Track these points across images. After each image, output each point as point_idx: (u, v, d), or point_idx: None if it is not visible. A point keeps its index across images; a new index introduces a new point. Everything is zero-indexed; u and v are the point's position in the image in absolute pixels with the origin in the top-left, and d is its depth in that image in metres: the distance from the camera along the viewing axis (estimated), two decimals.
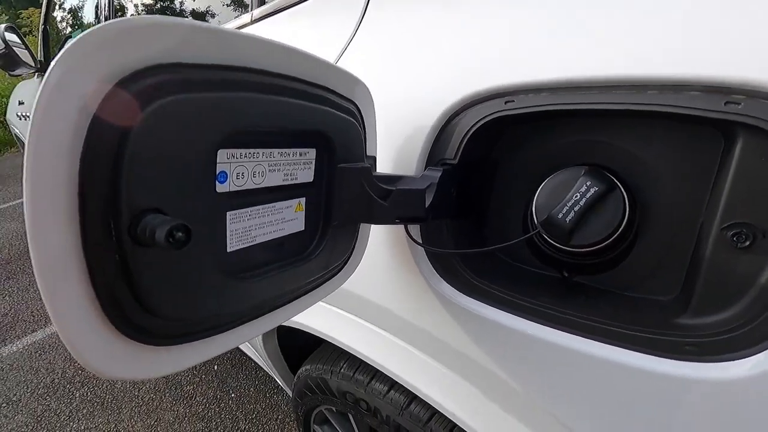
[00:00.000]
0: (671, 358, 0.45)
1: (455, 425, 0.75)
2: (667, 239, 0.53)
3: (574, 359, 0.52)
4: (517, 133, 0.62)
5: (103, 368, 0.31)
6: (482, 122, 0.55)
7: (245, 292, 0.42)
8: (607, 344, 0.50)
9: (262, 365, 1.56)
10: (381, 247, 0.68)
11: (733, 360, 0.42)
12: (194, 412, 2.06)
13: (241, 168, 0.40)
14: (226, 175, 0.38)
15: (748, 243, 0.43)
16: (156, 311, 0.33)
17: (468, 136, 0.57)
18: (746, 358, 0.42)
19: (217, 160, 0.37)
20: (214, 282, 0.38)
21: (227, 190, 0.39)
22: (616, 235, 0.51)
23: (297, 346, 1.35)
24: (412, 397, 0.85)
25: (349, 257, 0.59)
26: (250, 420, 2.00)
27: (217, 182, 0.38)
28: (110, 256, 0.30)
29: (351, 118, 0.52)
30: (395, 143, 0.65)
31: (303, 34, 0.97)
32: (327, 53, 0.83)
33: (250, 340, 1.40)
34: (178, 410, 2.07)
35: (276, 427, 1.95)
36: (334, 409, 1.12)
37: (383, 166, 0.65)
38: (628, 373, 0.48)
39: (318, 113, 0.47)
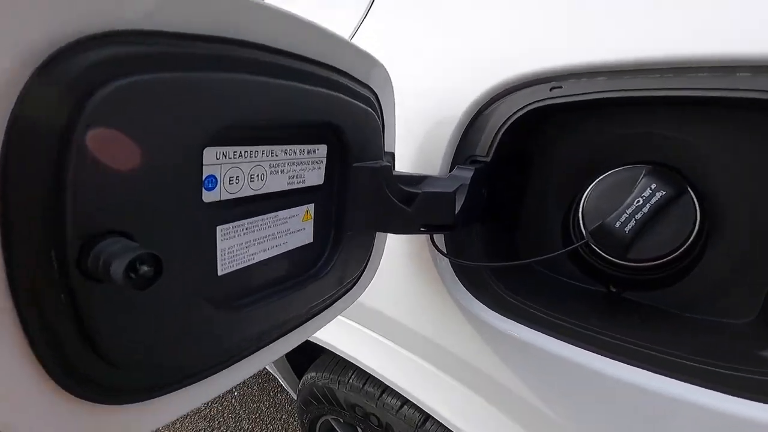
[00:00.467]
0: (759, 401, 0.37)
1: None
2: (743, 251, 0.44)
3: (629, 393, 0.44)
4: (558, 124, 0.53)
5: None
6: (522, 113, 0.47)
7: (241, 323, 0.34)
8: (671, 378, 0.42)
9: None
10: (399, 255, 0.60)
11: None
12: (197, 410, 2.01)
13: (234, 170, 0.32)
14: (216, 180, 0.30)
15: None
16: (117, 362, 0.25)
17: (504, 128, 0.48)
18: None
19: (204, 162, 0.29)
20: (200, 316, 0.30)
21: (217, 199, 0.31)
22: (684, 247, 0.43)
23: (302, 348, 1.28)
24: (428, 416, 0.77)
25: (364, 269, 0.51)
26: (253, 419, 1.95)
27: (203, 189, 0.29)
28: (52, 296, 0.22)
29: (368, 108, 0.43)
30: (416, 138, 0.56)
31: (304, 12, 0.87)
32: None
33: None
34: None
35: (280, 427, 1.89)
36: (341, 420, 1.05)
37: (401, 165, 0.57)
38: (695, 414, 0.40)
39: (330, 101, 0.38)
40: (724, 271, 0.45)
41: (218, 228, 0.31)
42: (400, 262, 0.60)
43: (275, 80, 0.32)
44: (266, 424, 1.92)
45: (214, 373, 0.33)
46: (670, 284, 0.49)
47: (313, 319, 0.44)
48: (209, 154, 0.29)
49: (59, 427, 0.24)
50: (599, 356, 0.46)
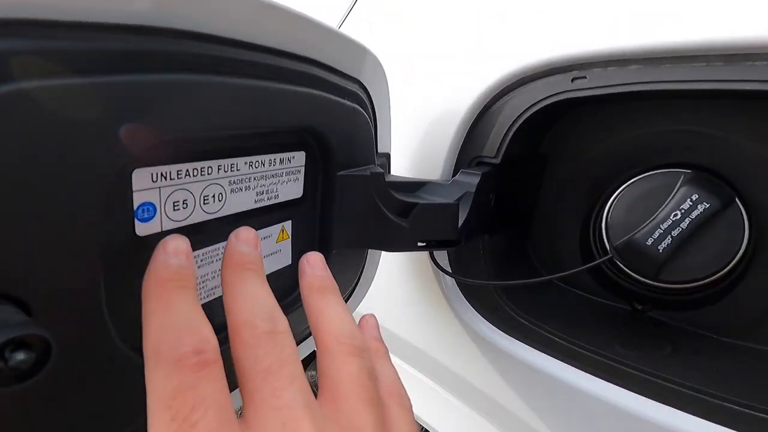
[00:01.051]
0: None
1: None
2: None
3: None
4: (580, 120, 0.46)
5: None
6: (538, 107, 0.40)
7: None
8: (709, 422, 0.36)
9: None
10: (400, 269, 0.54)
11: None
12: None
13: (181, 193, 0.25)
14: (154, 207, 0.24)
15: None
16: None
17: (516, 126, 0.41)
18: None
19: (134, 187, 0.22)
20: (139, 382, 0.24)
21: (158, 230, 0.24)
22: (729, 267, 0.37)
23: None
24: None
25: (354, 288, 0.45)
26: None
27: (136, 221, 0.23)
28: None
29: (356, 105, 0.37)
30: (414, 137, 0.49)
31: None
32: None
33: None
34: None
35: None
36: None
37: (397, 169, 0.50)
38: None
39: (307, 101, 0.32)
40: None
41: None
42: (400, 276, 0.54)
43: (236, 80, 0.26)
44: None
45: None
46: (709, 305, 0.42)
47: (299, 346, 0.38)
48: (141, 176, 0.23)
49: None
50: (623, 390, 0.40)
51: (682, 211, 0.36)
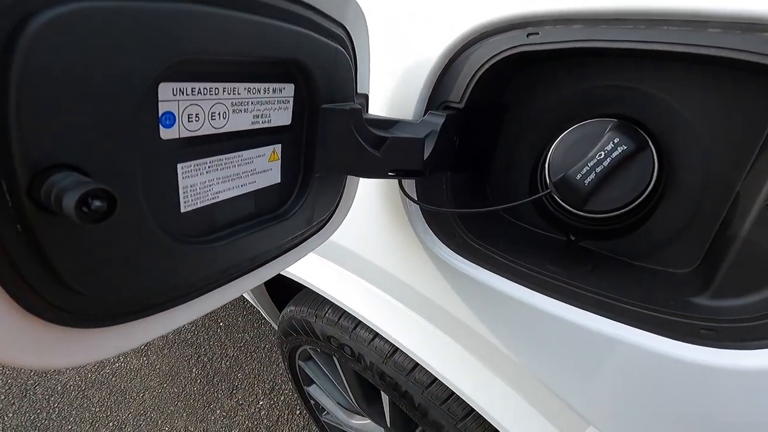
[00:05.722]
0: (685, 342, 0.41)
1: (436, 379, 0.74)
2: (693, 207, 0.47)
3: (576, 334, 0.48)
4: (534, 73, 0.53)
5: (13, 357, 0.25)
6: (497, 58, 0.46)
7: (206, 257, 0.35)
8: (614, 321, 0.46)
9: (248, 299, 1.55)
10: (372, 197, 0.61)
11: (756, 350, 0.38)
12: (183, 338, 2.10)
13: (194, 108, 0.31)
14: (174, 116, 0.30)
15: None
16: (80, 290, 0.26)
17: (479, 74, 0.47)
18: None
19: (159, 98, 0.28)
20: (162, 250, 0.31)
21: (176, 137, 0.31)
22: (639, 201, 0.45)
23: (283, 284, 1.33)
24: (396, 348, 0.83)
25: (334, 211, 0.52)
26: (238, 347, 2.05)
27: (161, 126, 0.29)
28: (8, 226, 0.22)
29: (339, 47, 0.42)
30: (390, 81, 0.55)
31: None
32: None
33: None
34: (167, 336, 2.11)
35: (264, 356, 2.01)
36: (318, 350, 1.12)
37: (375, 108, 0.56)
38: (632, 353, 0.44)
39: (297, 38, 0.37)
40: (673, 224, 0.48)
41: (179, 165, 0.32)
42: (372, 203, 0.61)
43: (240, 13, 0.31)
44: (250, 352, 2.03)
45: (181, 304, 0.35)
46: (625, 235, 0.51)
47: (282, 256, 0.45)
48: (165, 89, 0.28)
49: (29, 347, 0.26)
50: (551, 299, 0.49)
51: (606, 151, 0.44)
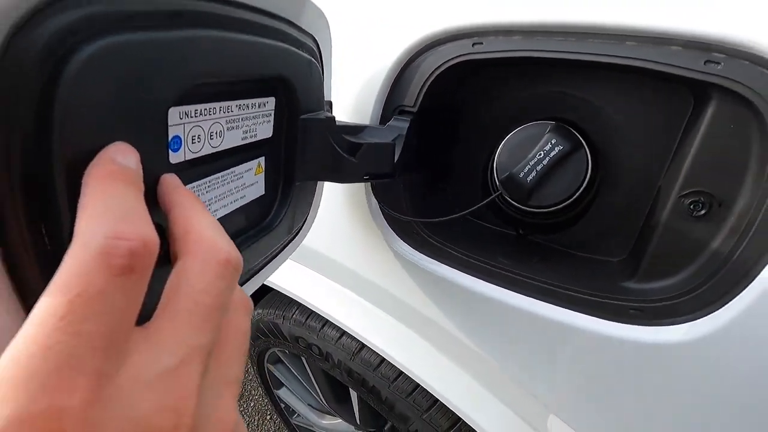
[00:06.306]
0: (617, 322, 0.46)
1: (401, 372, 0.77)
2: (624, 201, 0.52)
3: (527, 321, 0.52)
4: (482, 79, 0.57)
5: None
6: (446, 66, 0.49)
7: None
8: (559, 306, 0.50)
9: None
10: (336, 199, 0.64)
11: (675, 325, 0.43)
12: None
13: (196, 129, 0.31)
14: (180, 140, 0.30)
15: (703, 212, 0.43)
16: None
17: (430, 80, 0.51)
18: (688, 323, 0.43)
19: (169, 122, 0.29)
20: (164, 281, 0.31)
21: (182, 160, 0.31)
22: (575, 197, 0.50)
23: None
24: (363, 344, 0.85)
25: (307, 215, 0.53)
26: None
27: (170, 151, 0.30)
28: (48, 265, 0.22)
29: (311, 58, 0.44)
30: (348, 87, 0.58)
31: None
32: None
33: None
34: None
35: None
36: (286, 351, 1.13)
37: (335, 113, 0.59)
38: (574, 334, 0.48)
39: (280, 53, 0.38)
40: (607, 217, 0.53)
41: None
42: (337, 204, 0.64)
43: (232, 34, 0.32)
44: None
45: None
46: (566, 228, 0.56)
47: (265, 267, 0.46)
48: (173, 113, 0.29)
49: None
50: (503, 289, 0.53)
51: (544, 151, 0.48)
